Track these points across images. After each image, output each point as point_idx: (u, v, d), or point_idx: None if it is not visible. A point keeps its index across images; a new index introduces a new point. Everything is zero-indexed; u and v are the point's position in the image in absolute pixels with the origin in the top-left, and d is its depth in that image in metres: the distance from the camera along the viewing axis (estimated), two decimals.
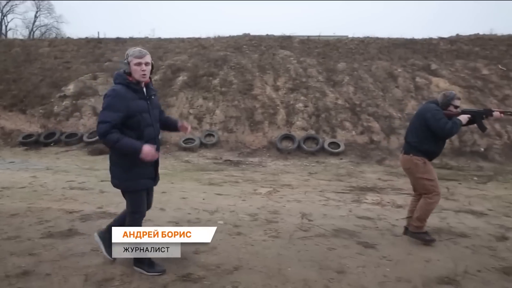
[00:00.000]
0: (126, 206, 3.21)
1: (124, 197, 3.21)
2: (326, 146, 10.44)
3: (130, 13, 68.98)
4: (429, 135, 4.00)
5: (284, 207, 5.53)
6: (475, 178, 8.29)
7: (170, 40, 17.28)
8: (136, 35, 17.72)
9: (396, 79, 13.77)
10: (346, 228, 4.57)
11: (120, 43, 16.97)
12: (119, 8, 72.03)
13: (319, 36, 17.45)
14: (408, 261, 3.64)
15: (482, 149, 10.98)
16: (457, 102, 4.06)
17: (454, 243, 4.18)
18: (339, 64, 14.48)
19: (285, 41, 16.84)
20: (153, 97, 3.14)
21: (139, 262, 3.23)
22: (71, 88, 13.63)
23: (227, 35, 17.93)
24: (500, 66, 15.02)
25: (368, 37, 17.68)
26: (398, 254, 3.79)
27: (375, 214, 5.23)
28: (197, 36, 17.65)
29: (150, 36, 17.93)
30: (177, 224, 4.64)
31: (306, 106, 12.05)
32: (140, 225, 3.21)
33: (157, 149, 3.07)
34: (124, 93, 2.92)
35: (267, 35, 17.66)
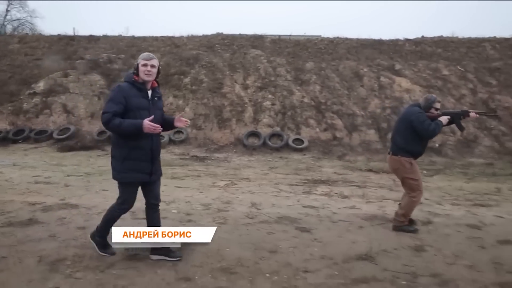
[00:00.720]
0: (119, 196, 3.46)
1: (119, 187, 3.45)
2: (290, 142, 10.90)
3: (105, 10, 68.18)
4: (414, 136, 4.37)
5: (237, 198, 5.93)
6: (424, 172, 8.86)
7: (143, 39, 17.47)
8: (109, 33, 17.78)
9: (361, 78, 14.36)
10: (290, 215, 5.00)
11: (93, 40, 17.05)
12: (95, 4, 71.12)
13: (290, 36, 17.93)
14: (336, 243, 4.08)
15: (437, 145, 11.65)
16: (437, 105, 4.48)
17: (383, 227, 4.66)
18: (308, 64, 14.97)
19: (256, 41, 17.25)
20: (156, 99, 3.40)
21: (157, 250, 3.50)
22: (41, 85, 13.69)
23: (201, 34, 18.25)
24: (459, 67, 15.81)
25: (337, 37, 18.26)
26: (329, 237, 4.23)
27: (320, 204, 5.67)
28: (170, 34, 17.91)
29: (123, 34, 18.06)
30: (133, 213, 4.97)
31: (273, 104, 12.50)
32: (119, 216, 3.49)
33: (158, 147, 3.42)
34: (127, 89, 3.23)
35: (239, 34, 18.04)
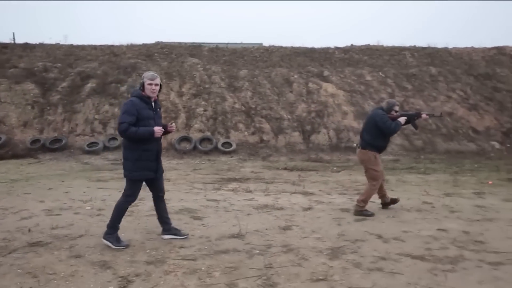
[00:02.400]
0: (124, 190, 4.16)
1: (126, 183, 4.14)
2: (219, 146, 11.68)
3: (41, 17, 66.27)
4: (379, 134, 5.29)
5: (150, 194, 6.58)
6: (335, 168, 9.96)
7: (82, 47, 17.60)
8: (47, 41, 17.77)
9: (291, 84, 15.44)
10: (191, 207, 5.74)
11: (28, 48, 16.96)
12: (33, 11, 68.77)
13: (228, 44, 18.77)
14: (219, 226, 4.85)
15: (355, 145, 12.86)
16: (396, 108, 5.43)
17: (268, 214, 5.50)
18: (241, 71, 15.86)
19: (195, 49, 17.96)
20: (158, 109, 4.15)
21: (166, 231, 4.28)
22: None
23: (141, 43, 18.67)
24: (380, 73, 17.35)
25: (273, 45, 19.35)
26: (215, 223, 5.00)
27: (223, 198, 6.45)
28: (110, 43, 18.18)
29: (61, 43, 18.10)
30: (49, 211, 5.52)
31: (205, 110, 13.24)
32: (127, 207, 4.19)
33: (160, 149, 4.18)
34: (138, 103, 3.92)
35: (179, 43, 18.66)
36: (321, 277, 3.32)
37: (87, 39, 59.55)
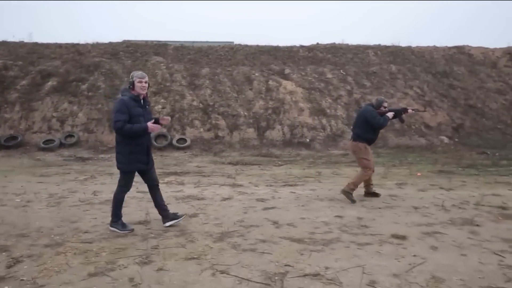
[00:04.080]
0: (119, 181, 4.54)
1: (120, 174, 4.50)
2: (174, 142, 12.03)
3: (5, 15, 65.29)
4: (369, 127, 5.89)
5: (86, 187, 6.93)
6: (279, 163, 10.40)
7: (46, 45, 17.71)
8: (10, 38, 17.81)
9: (252, 82, 15.83)
10: None
11: None
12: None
13: (194, 42, 19.09)
14: (133, 214, 5.17)
15: (308, 140, 13.37)
16: (385, 104, 6.01)
17: (186, 203, 5.89)
18: (203, 70, 16.20)
19: (160, 48, 18.23)
20: (147, 107, 4.50)
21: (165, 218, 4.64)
22: None
23: (107, 41, 18.84)
24: (342, 71, 17.88)
25: (238, 44, 19.72)
26: (130, 211, 5.33)
27: None
28: (76, 42, 18.33)
29: (26, 41, 18.16)
30: None
31: (163, 108, 13.56)
32: (124, 197, 4.55)
33: (150, 144, 4.55)
34: (128, 101, 4.25)
35: (145, 42, 18.89)
36: (195, 256, 3.70)
37: (51, 37, 58.89)
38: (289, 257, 3.69)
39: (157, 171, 8.98)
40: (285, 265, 3.51)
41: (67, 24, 66.62)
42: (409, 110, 6.26)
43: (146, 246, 3.96)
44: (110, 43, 18.51)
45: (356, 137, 6.08)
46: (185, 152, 11.65)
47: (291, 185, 7.35)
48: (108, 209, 5.48)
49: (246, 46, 19.42)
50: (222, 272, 3.34)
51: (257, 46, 19.62)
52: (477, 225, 4.82)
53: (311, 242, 4.14)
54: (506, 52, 21.78)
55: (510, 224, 4.89)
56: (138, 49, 17.92)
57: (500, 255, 3.78)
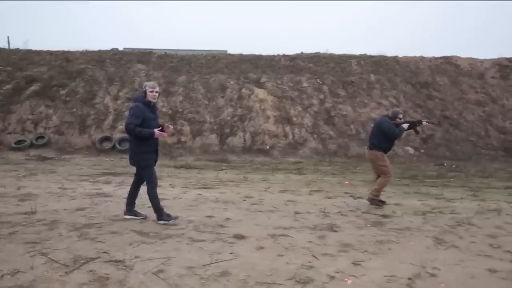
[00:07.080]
0: (144, 179, 5.10)
1: (141, 173, 5.13)
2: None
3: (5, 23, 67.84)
4: (385, 137, 6.32)
5: (18, 183, 7.62)
6: (223, 168, 10.90)
7: (38, 53, 18.71)
8: (3, 45, 18.94)
9: (225, 90, 16.40)
10: (37, 194, 6.64)
11: None
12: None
13: (177, 51, 19.82)
14: (56, 208, 5.83)
15: (267, 147, 13.80)
16: (400, 116, 6.42)
17: (89, 198, 6.46)
18: (181, 77, 16.88)
19: (145, 56, 19.00)
20: (156, 112, 5.17)
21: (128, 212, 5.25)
22: None
23: (97, 49, 19.79)
24: (318, 80, 18.25)
25: (221, 52, 20.35)
26: (51, 205, 5.95)
27: (81, 187, 7.36)
28: (66, 49, 19.34)
29: (21, 48, 19.29)
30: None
31: None
32: (156, 191, 5.04)
33: (157, 144, 5.12)
34: (142, 107, 4.88)
35: (132, 49, 19.77)
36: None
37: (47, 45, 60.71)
38: (118, 246, 4.13)
39: (96, 171, 9.72)
40: (103, 252, 3.99)
41: (71, 31, 69.04)
42: (424, 122, 6.72)
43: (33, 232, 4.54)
44: (99, 51, 19.40)
45: (373, 146, 6.47)
46: None
47: (206, 188, 7.81)
48: (18, 202, 6.09)
49: (229, 55, 20.03)
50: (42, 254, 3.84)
51: (240, 55, 20.17)
52: (335, 231, 4.96)
53: (153, 236, 4.52)
54: (495, 63, 21.62)
55: (370, 231, 5.02)
56: (124, 57, 18.75)
57: (316, 257, 3.92)
